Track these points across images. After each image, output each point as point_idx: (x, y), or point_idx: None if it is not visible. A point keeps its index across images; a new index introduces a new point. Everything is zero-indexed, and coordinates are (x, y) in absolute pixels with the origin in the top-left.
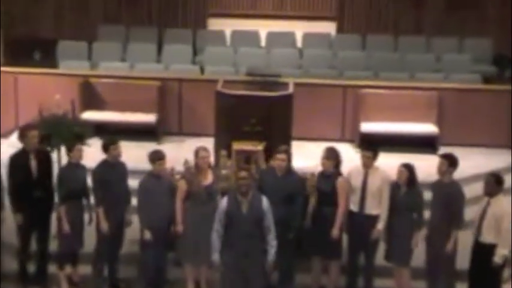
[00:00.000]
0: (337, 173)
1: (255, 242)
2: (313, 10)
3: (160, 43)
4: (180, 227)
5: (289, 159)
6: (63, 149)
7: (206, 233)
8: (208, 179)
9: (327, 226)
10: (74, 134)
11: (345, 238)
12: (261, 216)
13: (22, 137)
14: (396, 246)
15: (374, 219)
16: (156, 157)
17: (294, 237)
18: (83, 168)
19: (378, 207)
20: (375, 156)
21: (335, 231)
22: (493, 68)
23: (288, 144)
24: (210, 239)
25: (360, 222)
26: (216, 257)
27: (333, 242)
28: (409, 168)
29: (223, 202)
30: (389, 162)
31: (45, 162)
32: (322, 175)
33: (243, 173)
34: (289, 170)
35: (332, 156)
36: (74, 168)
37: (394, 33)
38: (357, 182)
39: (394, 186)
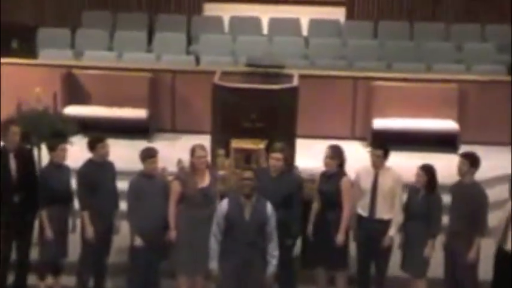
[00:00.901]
0: (341, 172)
1: (257, 250)
2: None
3: (151, 30)
4: (173, 233)
5: (285, 159)
6: (43, 148)
7: (202, 241)
8: (205, 180)
9: (331, 232)
10: (56, 131)
11: (353, 246)
12: (265, 222)
13: (2, 134)
14: (412, 255)
15: (385, 224)
16: (148, 155)
17: (293, 244)
18: (66, 169)
19: (389, 211)
20: (385, 155)
21: (340, 237)
22: None
23: (293, 143)
24: (206, 247)
25: (370, 228)
26: (214, 264)
27: (337, 250)
28: (429, 170)
29: (223, 205)
30: (404, 163)
31: (27, 162)
32: (325, 175)
33: (248, 173)
34: (285, 170)
35: (336, 155)
36: (57, 169)
37: (410, 19)
38: (366, 183)
39: (412, 190)
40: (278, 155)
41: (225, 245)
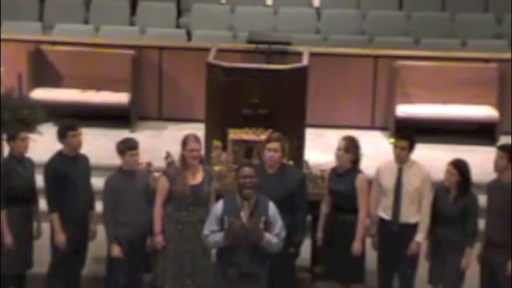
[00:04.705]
0: (355, 169)
1: (259, 259)
2: None
3: (135, 0)
4: (158, 238)
5: (284, 152)
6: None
7: (192, 248)
8: (198, 177)
9: (345, 240)
10: (20, 118)
11: (373, 255)
12: (267, 227)
13: None
14: (443, 266)
15: (412, 228)
16: (127, 146)
17: (296, 253)
18: (29, 162)
19: (416, 214)
20: (411, 147)
21: (356, 246)
22: None
23: (301, 133)
24: (196, 256)
25: (393, 234)
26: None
27: (353, 261)
28: (461, 168)
29: (218, 206)
30: (433, 156)
31: None
32: (335, 172)
33: (247, 170)
34: (282, 165)
35: (352, 148)
36: (18, 162)
37: None
38: (388, 181)
39: (441, 190)
40: (276, 145)
41: (221, 253)
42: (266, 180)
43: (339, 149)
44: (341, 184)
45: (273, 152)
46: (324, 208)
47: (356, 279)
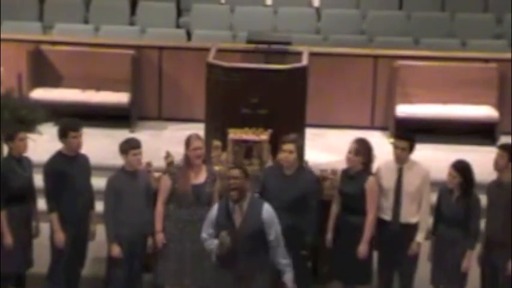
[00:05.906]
0: (366, 171)
1: (256, 262)
2: None
3: (135, 0)
4: (160, 237)
5: (298, 153)
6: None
7: (192, 247)
8: (201, 177)
9: (352, 241)
10: (20, 118)
11: (374, 255)
12: (260, 229)
13: None
14: (445, 267)
15: (412, 228)
16: (129, 146)
17: (308, 255)
18: (27, 162)
19: (416, 214)
20: (411, 147)
21: (362, 248)
22: None
23: (302, 132)
24: (197, 254)
25: (393, 234)
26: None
27: (360, 262)
28: (463, 170)
29: (213, 211)
30: (434, 156)
31: None
32: (346, 174)
33: (235, 172)
34: (300, 167)
35: (362, 152)
36: (16, 162)
37: None
38: (388, 182)
39: (444, 191)
40: (291, 147)
41: (218, 257)
42: (282, 181)
43: (349, 151)
44: (351, 186)
45: (287, 153)
46: (334, 209)
47: (362, 280)
